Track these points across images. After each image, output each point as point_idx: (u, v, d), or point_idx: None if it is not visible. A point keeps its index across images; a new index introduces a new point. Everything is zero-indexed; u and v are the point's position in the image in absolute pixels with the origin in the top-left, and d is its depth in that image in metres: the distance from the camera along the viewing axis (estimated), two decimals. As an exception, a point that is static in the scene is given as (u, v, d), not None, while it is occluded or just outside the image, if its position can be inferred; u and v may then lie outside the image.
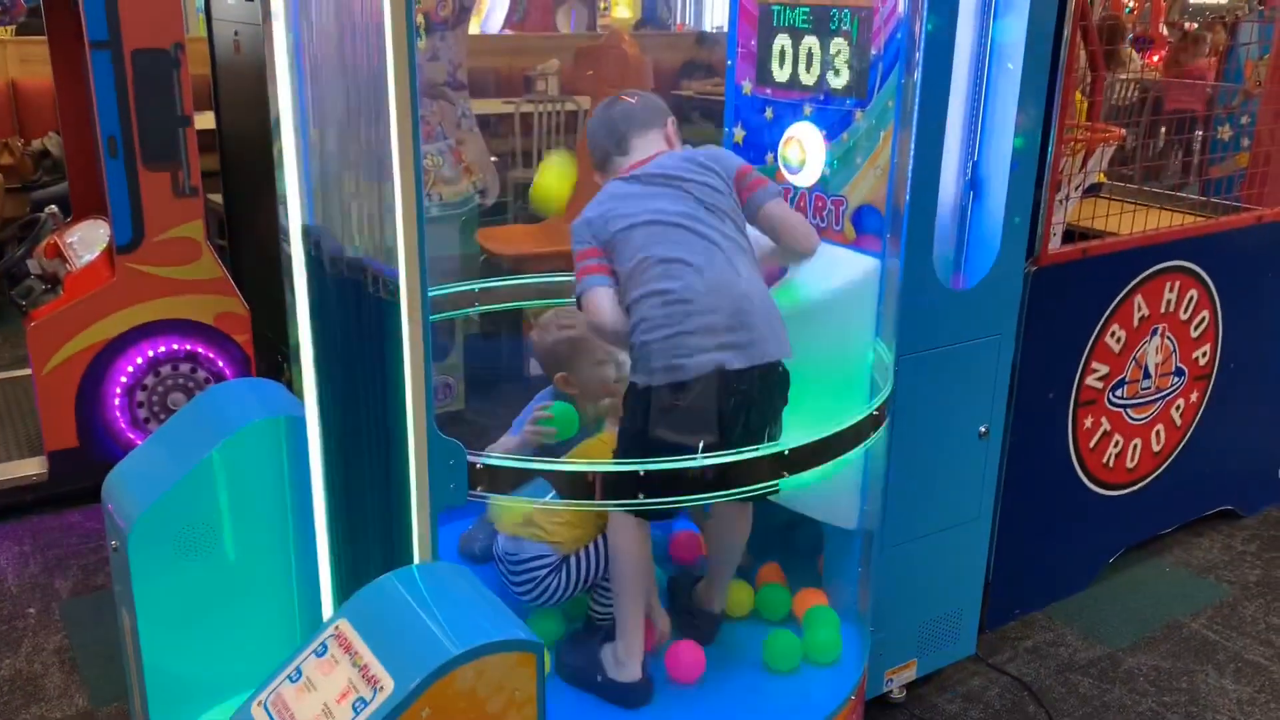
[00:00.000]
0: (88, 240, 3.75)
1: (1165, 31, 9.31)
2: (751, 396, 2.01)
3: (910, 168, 2.12)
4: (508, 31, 8.67)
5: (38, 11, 5.93)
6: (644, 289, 2.02)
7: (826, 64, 2.34)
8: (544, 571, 2.26)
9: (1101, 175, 3.79)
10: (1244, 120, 4.49)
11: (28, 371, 3.59)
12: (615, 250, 2.07)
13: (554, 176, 2.41)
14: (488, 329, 4.06)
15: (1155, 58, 8.55)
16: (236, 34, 3.82)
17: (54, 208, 4.16)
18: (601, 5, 9.75)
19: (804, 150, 2.43)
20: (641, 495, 1.83)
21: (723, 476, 1.86)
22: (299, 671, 1.63)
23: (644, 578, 2.22)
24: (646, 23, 9.94)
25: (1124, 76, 5.80)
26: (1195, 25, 8.15)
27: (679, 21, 11.20)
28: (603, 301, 2.05)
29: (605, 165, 2.25)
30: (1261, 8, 5.99)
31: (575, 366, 2.36)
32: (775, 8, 2.45)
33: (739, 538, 2.31)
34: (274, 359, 3.92)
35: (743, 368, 1.99)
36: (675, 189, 2.10)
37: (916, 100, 2.07)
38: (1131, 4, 9.35)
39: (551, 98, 6.14)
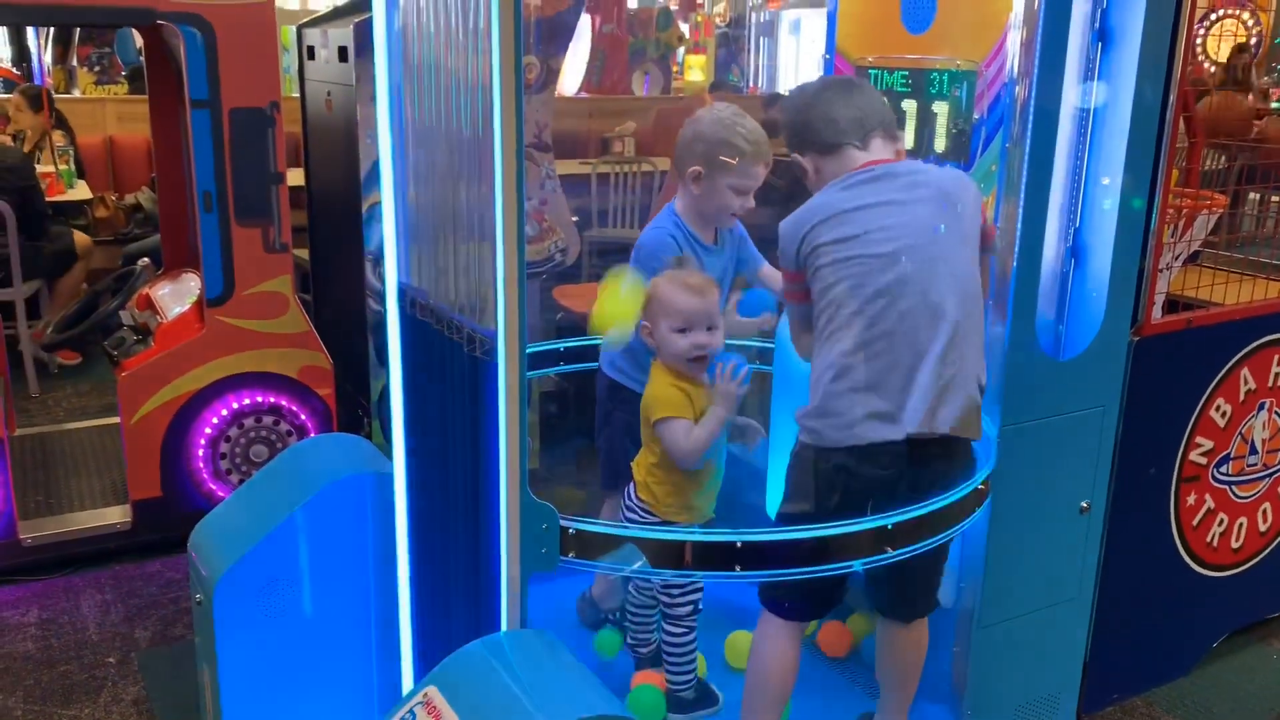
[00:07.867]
0: (178, 293, 3.83)
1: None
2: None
3: (1017, 234, 2.06)
4: (584, 95, 8.80)
5: (139, 74, 6.18)
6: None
7: (926, 127, 2.30)
8: None
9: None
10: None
11: (116, 420, 3.65)
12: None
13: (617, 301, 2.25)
14: (564, 386, 4.04)
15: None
16: (329, 94, 3.91)
17: (147, 260, 4.26)
18: (675, 69, 9.87)
19: (901, 214, 2.38)
20: (737, 567, 1.77)
21: (823, 550, 1.80)
22: (386, 739, 1.59)
23: (785, 693, 2.11)
24: (719, 86, 10.02)
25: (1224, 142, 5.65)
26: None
27: (752, 85, 11.29)
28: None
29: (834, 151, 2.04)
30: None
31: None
32: (872, 71, 2.43)
33: (903, 663, 2.21)
34: (354, 413, 3.93)
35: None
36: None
37: (1025, 165, 2.02)
38: (1214, 68, 9.31)
39: (629, 159, 6.20)
